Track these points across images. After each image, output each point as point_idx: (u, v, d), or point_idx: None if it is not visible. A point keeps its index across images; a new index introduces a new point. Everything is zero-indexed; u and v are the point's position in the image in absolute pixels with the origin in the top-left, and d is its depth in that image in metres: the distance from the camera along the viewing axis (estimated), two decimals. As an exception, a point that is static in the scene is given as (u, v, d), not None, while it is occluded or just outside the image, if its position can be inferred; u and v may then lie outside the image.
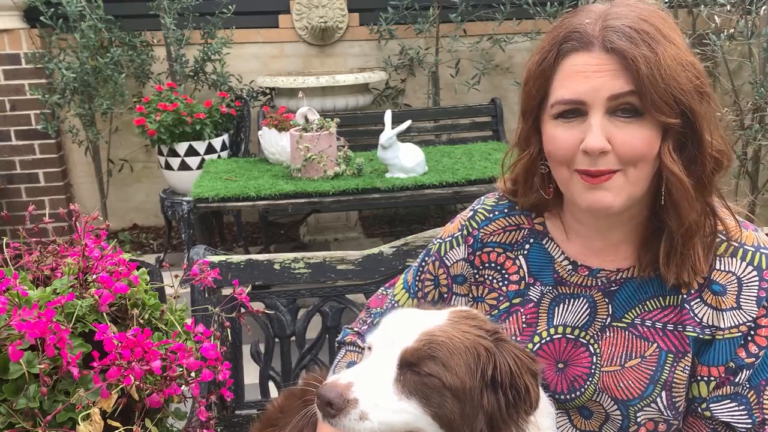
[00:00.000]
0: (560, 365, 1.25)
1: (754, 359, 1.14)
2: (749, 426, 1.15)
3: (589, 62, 1.09)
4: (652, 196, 1.18)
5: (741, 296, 1.14)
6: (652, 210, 1.19)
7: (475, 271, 1.35)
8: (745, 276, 1.15)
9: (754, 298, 1.14)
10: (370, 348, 1.12)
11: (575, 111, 1.12)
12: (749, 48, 3.83)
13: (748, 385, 1.15)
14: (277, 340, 1.95)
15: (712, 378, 1.17)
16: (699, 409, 1.19)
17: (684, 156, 1.11)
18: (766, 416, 1.15)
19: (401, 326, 1.09)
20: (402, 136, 3.74)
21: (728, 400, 1.16)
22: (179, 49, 4.92)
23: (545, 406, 1.19)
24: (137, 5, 4.94)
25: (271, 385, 1.98)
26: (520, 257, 1.32)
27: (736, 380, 1.15)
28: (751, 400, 1.15)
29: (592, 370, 1.22)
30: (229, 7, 4.93)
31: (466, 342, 1.05)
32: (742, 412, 1.15)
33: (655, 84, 1.05)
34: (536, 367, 1.07)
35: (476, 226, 1.36)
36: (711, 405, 1.17)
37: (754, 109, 3.82)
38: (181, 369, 1.07)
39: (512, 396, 1.04)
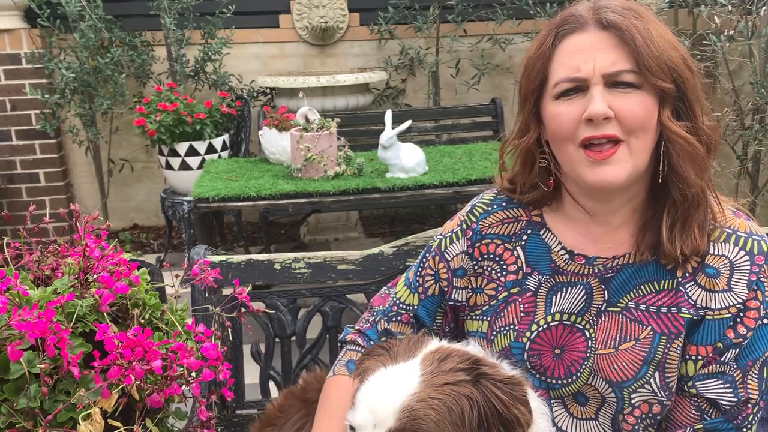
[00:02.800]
0: (557, 351, 1.28)
1: (741, 339, 1.18)
2: (734, 403, 1.19)
3: (586, 40, 1.18)
4: (650, 174, 1.23)
5: (732, 279, 1.19)
6: (650, 192, 1.25)
7: (474, 262, 1.38)
8: (737, 260, 1.20)
9: (745, 281, 1.18)
10: (352, 428, 1.08)
11: (576, 89, 1.18)
12: (749, 48, 3.82)
13: (735, 365, 1.19)
14: (277, 339, 1.95)
15: (700, 357, 1.21)
16: (685, 387, 1.22)
17: (682, 125, 1.18)
18: (750, 395, 1.19)
19: (378, 402, 1.04)
20: (402, 136, 3.74)
21: (714, 378, 1.20)
22: (179, 49, 4.92)
23: (538, 406, 1.19)
24: (137, 5, 4.94)
25: (272, 384, 1.98)
26: (518, 248, 1.35)
27: (723, 359, 1.19)
28: (737, 378, 1.19)
29: (587, 354, 1.25)
30: (230, 7, 4.93)
31: (448, 401, 1.02)
32: (727, 390, 1.19)
33: (649, 51, 1.14)
34: (523, 391, 1.06)
35: (475, 219, 1.40)
36: (697, 383, 1.21)
37: (754, 109, 3.82)
38: (181, 369, 1.07)
39: (503, 430, 1.03)
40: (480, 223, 1.39)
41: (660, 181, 1.20)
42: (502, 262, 1.36)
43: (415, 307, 1.43)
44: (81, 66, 4.83)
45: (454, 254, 1.40)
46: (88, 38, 4.74)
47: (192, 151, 4.50)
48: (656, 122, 1.17)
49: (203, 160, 4.46)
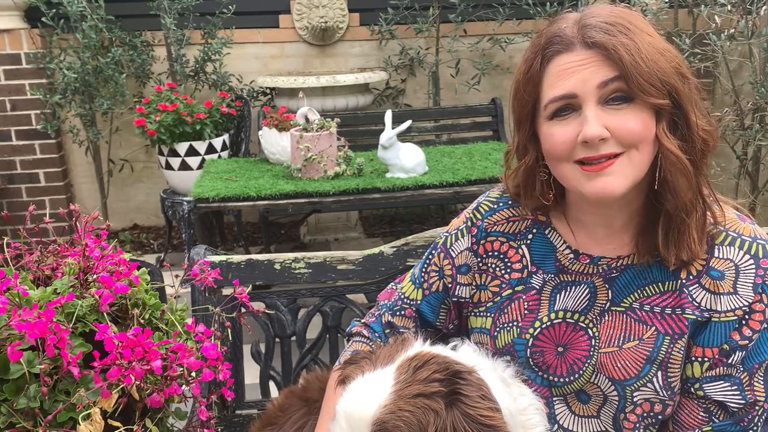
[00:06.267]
0: (560, 349, 1.29)
1: (747, 342, 1.19)
2: (741, 405, 1.20)
3: (573, 59, 1.15)
4: (647, 181, 1.22)
5: (738, 282, 1.19)
6: (647, 198, 1.24)
7: (479, 259, 1.39)
8: (742, 263, 1.20)
9: (751, 285, 1.19)
10: None
11: (568, 107, 1.17)
12: (749, 48, 3.82)
13: (741, 368, 1.19)
14: (277, 339, 1.95)
15: (706, 359, 1.21)
16: (692, 389, 1.23)
17: (677, 136, 1.16)
18: (757, 397, 1.20)
19: (353, 414, 1.04)
20: (402, 136, 3.74)
21: (721, 381, 1.21)
22: (179, 49, 4.92)
23: (532, 402, 1.19)
24: (138, 5, 4.94)
25: (272, 384, 1.98)
26: (523, 246, 1.36)
27: (729, 361, 1.20)
28: (744, 381, 1.19)
29: (591, 352, 1.26)
30: (230, 7, 4.93)
31: (418, 414, 1.00)
32: (735, 392, 1.20)
33: (639, 68, 1.11)
34: (492, 421, 1.01)
35: (480, 217, 1.41)
36: (704, 385, 1.21)
37: (754, 109, 3.82)
38: (181, 369, 1.07)
39: None
40: (485, 220, 1.40)
41: (656, 187, 1.20)
42: (506, 260, 1.37)
43: (419, 302, 1.44)
44: (82, 66, 4.83)
45: (459, 251, 1.41)
46: (89, 38, 4.74)
47: (192, 151, 4.50)
48: (654, 134, 1.16)
49: (203, 160, 4.46)
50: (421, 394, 1.02)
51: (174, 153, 4.51)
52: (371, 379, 1.08)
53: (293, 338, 1.96)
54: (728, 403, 1.20)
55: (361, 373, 1.10)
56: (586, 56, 1.14)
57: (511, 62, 5.64)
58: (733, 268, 1.20)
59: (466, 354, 1.20)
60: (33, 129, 5.15)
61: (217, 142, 4.59)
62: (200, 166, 4.40)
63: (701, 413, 1.22)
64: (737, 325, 1.19)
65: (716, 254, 1.21)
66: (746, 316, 1.19)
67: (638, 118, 1.14)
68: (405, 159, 3.66)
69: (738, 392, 1.19)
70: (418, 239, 1.86)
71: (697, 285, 1.21)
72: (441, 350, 1.16)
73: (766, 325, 1.19)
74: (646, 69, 1.11)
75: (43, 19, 4.75)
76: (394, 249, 1.88)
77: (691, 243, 1.19)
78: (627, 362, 1.23)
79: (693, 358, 1.22)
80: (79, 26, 4.77)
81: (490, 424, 1.00)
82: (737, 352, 1.19)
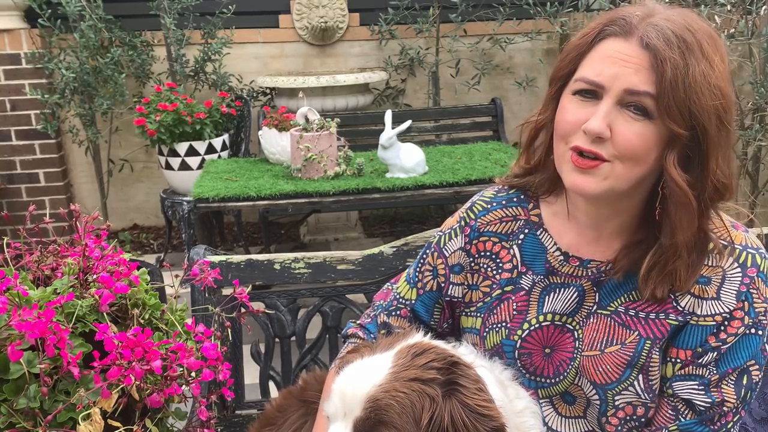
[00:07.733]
0: (547, 350, 1.30)
1: (720, 344, 1.18)
2: (708, 404, 1.19)
3: (622, 50, 1.12)
4: (646, 202, 1.21)
5: (722, 288, 1.19)
6: (643, 219, 1.23)
7: (471, 259, 1.39)
8: (729, 270, 1.20)
9: (735, 292, 1.18)
10: (328, 418, 1.11)
11: (593, 93, 1.15)
12: (749, 48, 3.82)
13: (714, 369, 1.19)
14: (277, 340, 1.95)
15: (679, 360, 1.21)
16: (663, 388, 1.23)
17: (688, 171, 1.12)
18: (725, 398, 1.19)
19: (347, 392, 1.06)
20: (402, 136, 3.74)
21: (689, 380, 1.21)
22: (179, 49, 4.92)
23: (528, 405, 1.20)
24: (137, 5, 4.94)
25: (272, 385, 1.98)
26: (515, 247, 1.36)
27: (701, 361, 1.19)
28: (712, 381, 1.19)
29: (574, 354, 1.26)
30: (229, 7, 4.93)
31: (412, 396, 1.02)
32: (701, 391, 1.19)
33: (676, 91, 1.07)
34: (490, 412, 1.03)
35: (473, 217, 1.41)
36: (673, 383, 1.21)
37: (754, 109, 3.82)
38: (181, 369, 1.07)
39: None
40: (478, 220, 1.40)
41: (656, 218, 1.17)
42: (498, 260, 1.37)
43: (413, 301, 1.44)
44: (81, 66, 4.83)
45: (452, 251, 1.41)
46: (88, 38, 4.74)
47: (192, 151, 4.50)
48: (655, 159, 1.13)
49: (203, 160, 4.46)
50: (417, 378, 1.03)
51: (174, 153, 4.51)
52: (369, 362, 1.10)
53: (293, 338, 1.96)
54: (694, 401, 1.19)
55: (359, 357, 1.12)
56: (634, 54, 1.11)
57: (511, 62, 5.63)
58: (721, 273, 1.19)
59: (464, 353, 1.21)
60: (33, 129, 5.15)
61: (217, 142, 4.59)
62: (200, 166, 4.40)
63: (669, 411, 1.22)
64: (714, 330, 1.18)
65: (706, 262, 1.20)
66: (725, 323, 1.18)
67: (644, 136, 1.11)
68: (405, 159, 3.66)
69: (704, 391, 1.19)
70: (418, 239, 1.87)
71: (685, 292, 1.20)
72: (441, 343, 1.18)
73: (746, 331, 1.18)
74: (682, 95, 1.07)
75: (40, 19, 4.75)
76: (394, 249, 1.88)
77: (677, 281, 1.17)
78: (608, 367, 1.22)
79: (668, 359, 1.22)
80: (77, 26, 4.76)
81: (487, 414, 1.02)
82: (709, 353, 1.19)
